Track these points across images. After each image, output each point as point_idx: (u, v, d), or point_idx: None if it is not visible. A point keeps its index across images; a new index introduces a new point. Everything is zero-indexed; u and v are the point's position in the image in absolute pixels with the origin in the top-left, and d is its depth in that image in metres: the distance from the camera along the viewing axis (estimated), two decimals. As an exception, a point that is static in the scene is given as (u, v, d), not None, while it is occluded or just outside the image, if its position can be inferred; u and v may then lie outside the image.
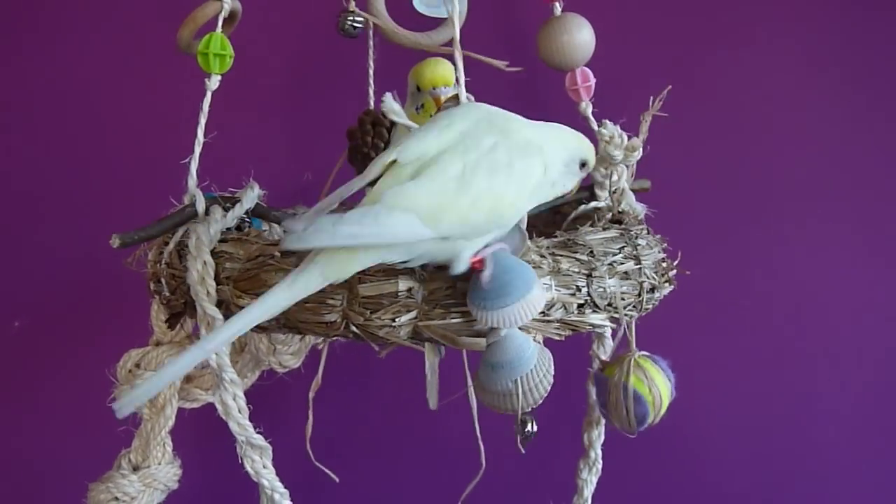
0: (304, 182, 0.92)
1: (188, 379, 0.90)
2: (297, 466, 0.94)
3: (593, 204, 0.87)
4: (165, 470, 0.89)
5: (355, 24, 0.91)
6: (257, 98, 1.03)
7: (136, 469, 0.88)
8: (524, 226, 0.70)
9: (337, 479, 1.04)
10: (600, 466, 0.92)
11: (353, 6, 0.90)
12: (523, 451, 0.78)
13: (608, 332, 0.91)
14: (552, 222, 0.89)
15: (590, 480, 0.92)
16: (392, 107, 0.71)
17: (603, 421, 0.94)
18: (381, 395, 1.19)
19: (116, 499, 0.86)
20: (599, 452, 0.92)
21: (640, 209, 0.86)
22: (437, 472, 1.23)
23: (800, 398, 1.18)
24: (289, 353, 0.93)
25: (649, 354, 0.83)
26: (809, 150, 1.15)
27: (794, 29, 1.14)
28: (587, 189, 0.88)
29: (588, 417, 0.95)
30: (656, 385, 0.81)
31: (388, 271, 0.66)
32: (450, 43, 0.75)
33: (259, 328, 0.70)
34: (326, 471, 1.02)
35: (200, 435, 1.05)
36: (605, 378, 0.83)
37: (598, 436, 0.93)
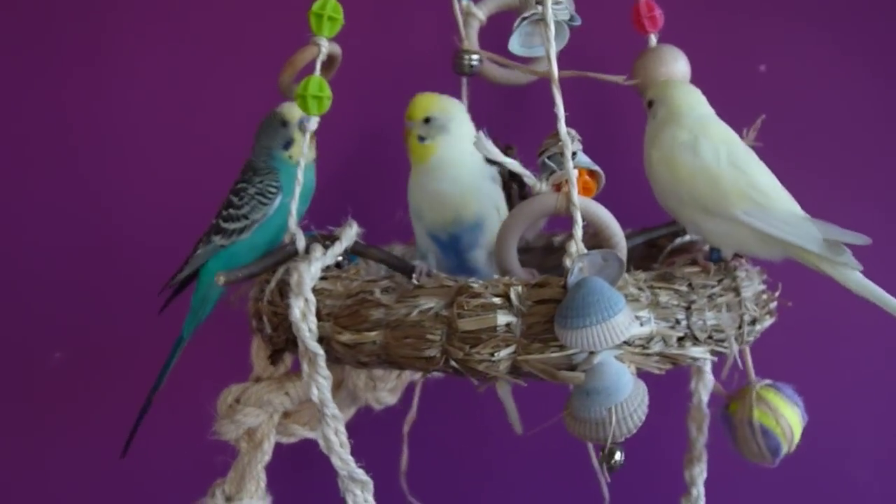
0: (396, 220, 0.93)
1: (286, 414, 0.91)
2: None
3: (689, 237, 0.87)
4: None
5: (472, 63, 0.93)
6: (354, 135, 1.07)
7: (228, 500, 0.89)
8: (624, 257, 0.69)
9: None
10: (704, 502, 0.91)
11: (466, 44, 0.92)
12: (608, 480, 0.77)
13: (707, 367, 0.90)
14: (647, 256, 0.89)
15: None
16: (484, 144, 0.72)
17: (705, 457, 0.93)
18: (474, 429, 1.19)
19: None
20: (702, 490, 0.91)
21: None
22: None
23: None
24: (386, 390, 0.93)
25: (772, 383, 0.83)
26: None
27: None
28: None
29: (689, 454, 0.94)
30: (783, 416, 0.81)
31: (487, 305, 0.66)
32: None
33: (359, 363, 0.72)
34: None
35: (294, 470, 1.06)
36: (730, 415, 0.83)
37: (700, 472, 0.92)
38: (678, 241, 0.87)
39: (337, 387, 0.93)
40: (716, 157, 0.76)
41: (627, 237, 0.88)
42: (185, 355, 1.15)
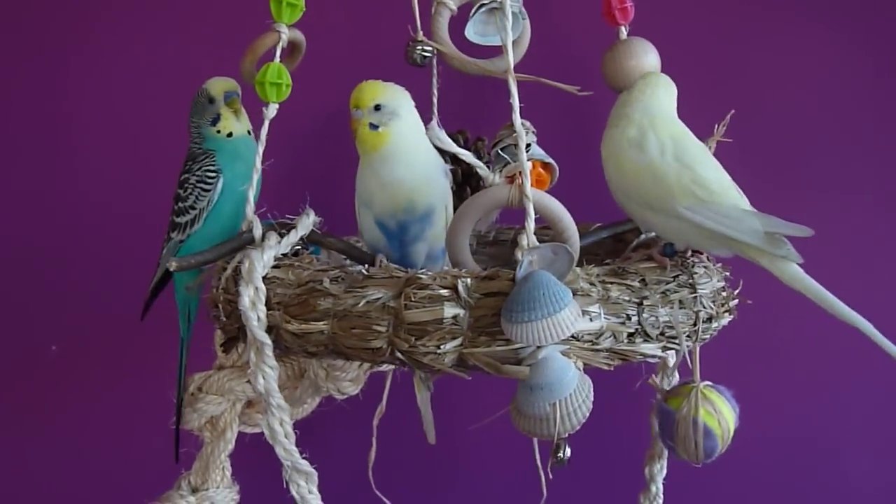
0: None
1: (249, 404, 0.91)
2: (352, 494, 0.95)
3: (653, 233, 0.86)
4: (223, 494, 0.91)
5: (424, 54, 0.91)
6: (320, 122, 1.05)
7: (195, 491, 0.90)
8: (576, 253, 0.68)
9: None
10: (661, 501, 0.90)
11: (420, 36, 0.90)
12: (551, 477, 0.76)
13: (672, 363, 0.89)
14: (614, 251, 0.88)
15: None
16: (437, 134, 0.71)
17: (666, 454, 0.92)
18: (443, 422, 1.18)
19: None
20: (661, 486, 0.90)
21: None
22: (494, 501, 1.22)
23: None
24: (347, 380, 0.92)
25: (714, 385, 0.81)
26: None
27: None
28: None
29: (651, 450, 0.93)
30: (724, 417, 0.80)
31: (434, 297, 0.66)
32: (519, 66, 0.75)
33: (308, 354, 0.71)
34: (385, 500, 1.01)
35: (258, 460, 1.05)
36: (672, 411, 0.82)
37: (660, 469, 0.91)
38: (643, 236, 0.85)
39: (300, 376, 0.93)
40: (661, 153, 0.75)
41: (594, 232, 0.88)
42: (136, 348, 1.16)
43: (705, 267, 0.77)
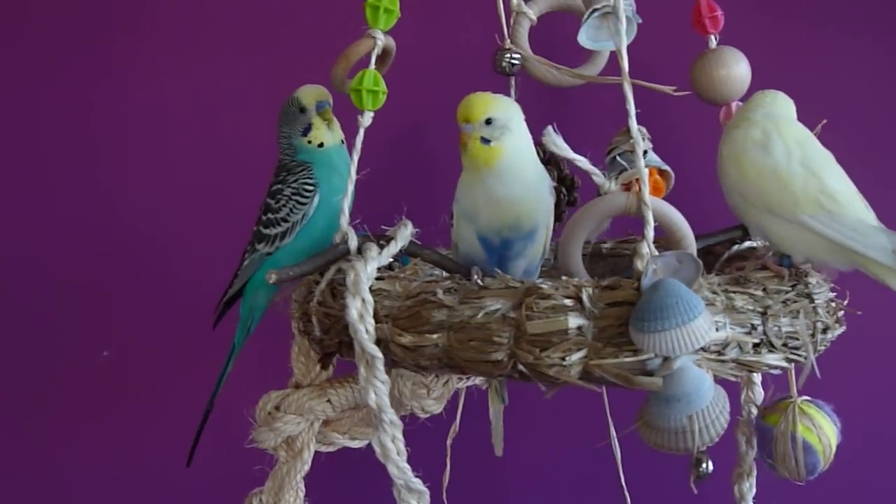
0: (442, 223, 0.91)
1: (326, 423, 0.90)
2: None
3: (747, 244, 0.86)
4: None
5: (513, 62, 0.91)
6: (400, 132, 1.05)
7: None
8: (699, 260, 0.67)
9: None
10: None
11: (508, 44, 0.90)
12: (696, 492, 0.74)
13: (758, 379, 0.88)
14: (704, 263, 0.86)
15: None
16: (554, 139, 0.70)
17: (755, 472, 0.91)
18: (516, 440, 1.18)
19: None
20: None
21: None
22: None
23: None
24: (432, 398, 0.92)
25: (812, 399, 0.80)
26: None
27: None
28: (740, 228, 0.86)
29: (739, 468, 0.92)
30: (825, 433, 0.79)
31: (558, 307, 0.64)
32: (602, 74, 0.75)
33: (419, 367, 0.69)
34: None
35: (332, 480, 1.04)
36: (769, 427, 0.81)
37: (749, 487, 0.90)
38: (735, 248, 0.85)
39: None
40: (787, 158, 0.74)
41: None
42: (187, 355, 1.15)
43: (816, 277, 0.76)
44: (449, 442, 1.00)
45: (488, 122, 0.75)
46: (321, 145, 0.86)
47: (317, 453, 0.89)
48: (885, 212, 0.77)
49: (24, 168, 1.24)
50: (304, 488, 0.89)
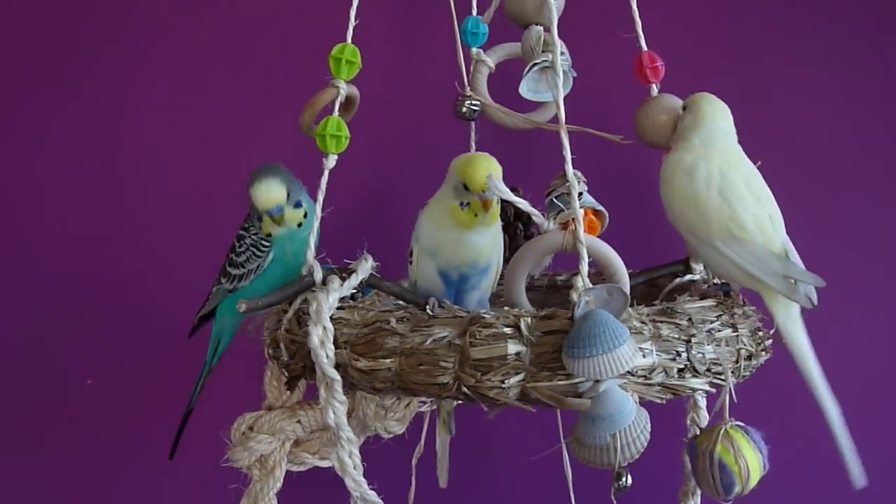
0: (400, 257, 0.97)
1: (297, 443, 0.94)
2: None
3: (688, 277, 0.91)
4: None
5: (473, 108, 0.97)
6: (363, 173, 1.11)
7: None
8: (628, 292, 0.73)
9: None
10: None
11: (468, 91, 0.96)
12: (615, 502, 0.80)
13: (703, 403, 0.94)
14: (648, 294, 0.92)
15: None
16: (497, 186, 0.76)
17: (699, 491, 0.97)
18: (475, 461, 1.22)
19: None
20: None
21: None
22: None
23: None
24: (394, 420, 0.97)
25: (742, 425, 0.85)
26: None
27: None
28: (682, 262, 0.93)
29: (684, 487, 0.97)
30: (743, 456, 0.83)
31: (498, 335, 0.70)
32: (553, 120, 0.80)
33: (374, 389, 0.75)
34: None
35: (304, 499, 1.09)
36: (696, 446, 0.86)
37: (694, 505, 0.95)
38: (677, 280, 0.91)
39: (348, 415, 0.95)
40: (707, 186, 0.81)
41: (629, 277, 0.93)
42: (170, 381, 1.20)
43: (743, 308, 0.82)
44: (414, 462, 1.05)
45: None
46: (269, 235, 0.88)
47: (288, 473, 0.94)
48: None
49: (10, 190, 1.28)
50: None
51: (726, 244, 0.79)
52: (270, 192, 0.86)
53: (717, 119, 0.85)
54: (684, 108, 0.88)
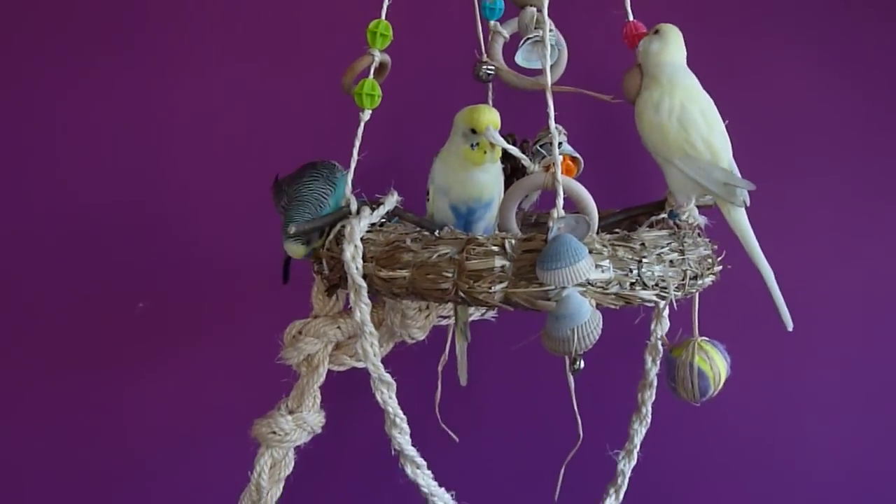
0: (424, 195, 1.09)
1: (338, 346, 1.09)
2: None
3: (662, 215, 1.06)
4: (314, 416, 1.07)
5: (489, 71, 1.12)
6: (393, 124, 1.22)
7: (291, 413, 1.06)
8: (594, 222, 0.91)
9: (457, 439, 1.24)
10: (650, 420, 1.13)
11: (485, 57, 1.12)
12: (572, 380, 0.96)
13: (666, 312, 1.12)
14: (629, 230, 1.09)
15: (640, 431, 1.16)
16: (493, 136, 0.94)
17: (655, 384, 1.15)
18: (488, 374, 1.42)
19: (274, 432, 1.05)
20: (650, 409, 1.13)
21: (701, 220, 1.05)
22: (535, 438, 1.46)
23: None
24: (416, 328, 1.13)
25: (709, 339, 1.03)
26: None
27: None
28: (658, 203, 1.08)
29: (643, 381, 1.16)
30: (716, 364, 1.01)
31: (488, 252, 0.88)
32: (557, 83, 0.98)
33: (393, 294, 0.93)
34: (449, 432, 1.23)
35: (341, 395, 1.23)
36: (674, 358, 1.04)
37: (650, 396, 1.15)
38: (652, 218, 1.06)
39: (379, 324, 1.11)
40: (669, 115, 0.97)
41: (613, 215, 1.10)
42: (252, 305, 1.38)
43: (694, 238, 0.99)
44: (440, 368, 1.20)
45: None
46: None
47: (330, 372, 1.08)
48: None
49: (63, 136, 1.40)
50: (320, 396, 1.08)
51: (682, 161, 0.96)
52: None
53: (674, 50, 1.00)
54: (655, 31, 1.01)
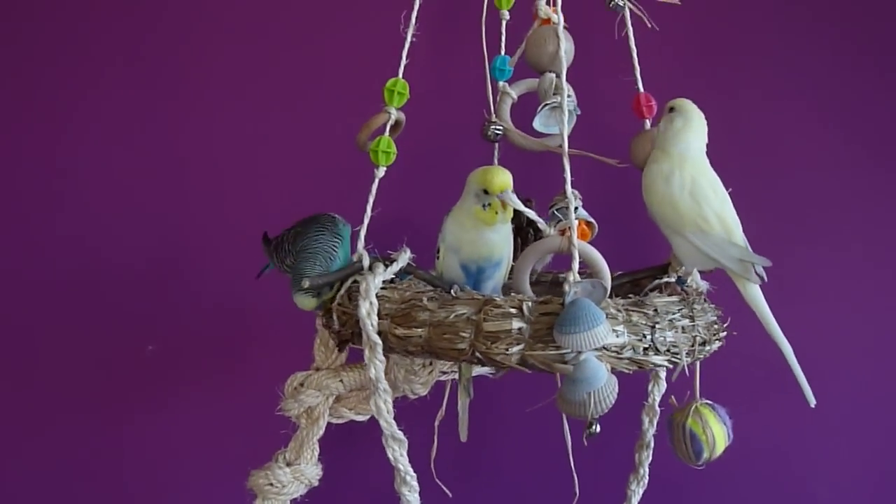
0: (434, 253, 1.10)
1: (338, 399, 1.08)
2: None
3: (665, 279, 1.08)
4: (312, 469, 1.06)
5: (497, 131, 1.14)
6: (404, 180, 1.23)
7: (289, 464, 1.05)
8: (608, 286, 0.93)
9: (450, 494, 1.24)
10: (647, 481, 1.15)
11: (493, 118, 1.14)
12: (586, 444, 0.97)
13: (663, 375, 1.14)
14: (632, 293, 1.10)
15: (637, 492, 1.18)
16: (512, 198, 0.96)
17: (652, 445, 1.17)
18: (485, 428, 1.41)
19: (271, 484, 1.04)
20: (647, 469, 1.14)
21: (703, 285, 1.08)
22: (526, 495, 1.46)
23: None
24: (419, 383, 1.14)
25: (711, 403, 1.05)
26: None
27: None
28: (661, 267, 1.10)
29: (640, 441, 1.18)
30: (710, 428, 1.02)
31: (506, 314, 0.89)
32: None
33: (407, 352, 0.93)
34: (443, 486, 1.22)
35: (339, 446, 1.22)
36: (671, 420, 1.05)
37: (647, 456, 1.17)
38: (656, 281, 1.08)
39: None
40: (681, 189, 0.98)
41: (617, 278, 1.10)
42: (254, 358, 1.38)
43: (703, 304, 1.01)
44: (437, 423, 1.19)
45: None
46: None
47: (329, 425, 1.07)
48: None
49: (72, 179, 1.42)
50: (318, 448, 1.07)
51: (695, 235, 0.97)
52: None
53: (697, 132, 1.01)
54: (671, 109, 1.01)
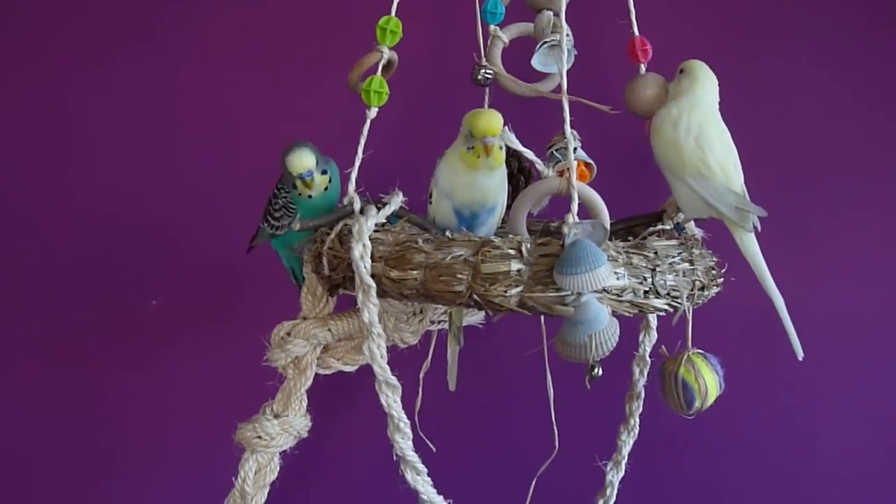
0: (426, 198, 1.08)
1: (325, 349, 1.06)
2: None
3: (660, 226, 1.07)
4: (300, 420, 1.05)
5: (487, 75, 1.12)
6: (396, 124, 1.26)
7: (276, 416, 1.04)
8: (608, 228, 0.91)
9: (434, 449, 1.20)
10: (637, 431, 1.13)
11: (484, 61, 1.11)
12: (588, 388, 0.97)
13: (654, 324, 1.13)
14: (626, 239, 1.09)
15: (627, 442, 1.18)
16: (510, 137, 0.93)
17: (643, 395, 1.17)
18: (471, 380, 1.38)
19: (259, 437, 1.03)
20: (637, 419, 1.13)
21: (698, 232, 1.07)
22: (512, 447, 1.45)
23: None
24: (409, 332, 1.12)
25: (702, 352, 1.04)
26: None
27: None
28: (656, 214, 1.10)
29: (630, 391, 1.18)
30: (703, 377, 1.01)
31: (504, 255, 0.87)
32: (556, 90, 0.97)
33: (402, 296, 0.91)
34: (427, 441, 1.19)
35: (328, 398, 1.24)
36: (663, 370, 1.04)
37: (637, 406, 1.16)
38: (650, 228, 1.07)
39: None
40: (686, 134, 0.98)
41: (612, 225, 1.10)
42: (247, 308, 1.37)
43: (700, 250, 1.00)
44: (421, 375, 1.16)
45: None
46: (309, 196, 1.03)
47: (316, 375, 1.06)
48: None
49: (73, 135, 1.41)
50: (306, 399, 1.05)
51: (695, 180, 0.97)
52: (303, 159, 0.99)
53: (706, 88, 1.01)
54: (681, 71, 1.02)
